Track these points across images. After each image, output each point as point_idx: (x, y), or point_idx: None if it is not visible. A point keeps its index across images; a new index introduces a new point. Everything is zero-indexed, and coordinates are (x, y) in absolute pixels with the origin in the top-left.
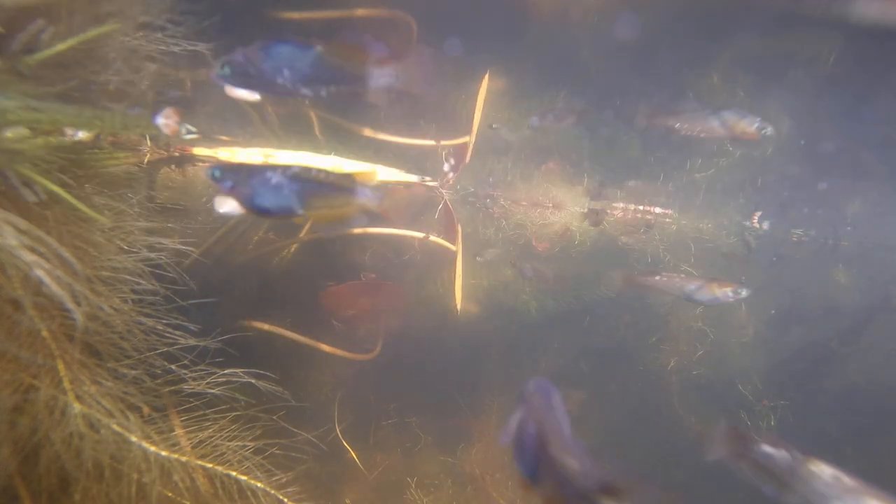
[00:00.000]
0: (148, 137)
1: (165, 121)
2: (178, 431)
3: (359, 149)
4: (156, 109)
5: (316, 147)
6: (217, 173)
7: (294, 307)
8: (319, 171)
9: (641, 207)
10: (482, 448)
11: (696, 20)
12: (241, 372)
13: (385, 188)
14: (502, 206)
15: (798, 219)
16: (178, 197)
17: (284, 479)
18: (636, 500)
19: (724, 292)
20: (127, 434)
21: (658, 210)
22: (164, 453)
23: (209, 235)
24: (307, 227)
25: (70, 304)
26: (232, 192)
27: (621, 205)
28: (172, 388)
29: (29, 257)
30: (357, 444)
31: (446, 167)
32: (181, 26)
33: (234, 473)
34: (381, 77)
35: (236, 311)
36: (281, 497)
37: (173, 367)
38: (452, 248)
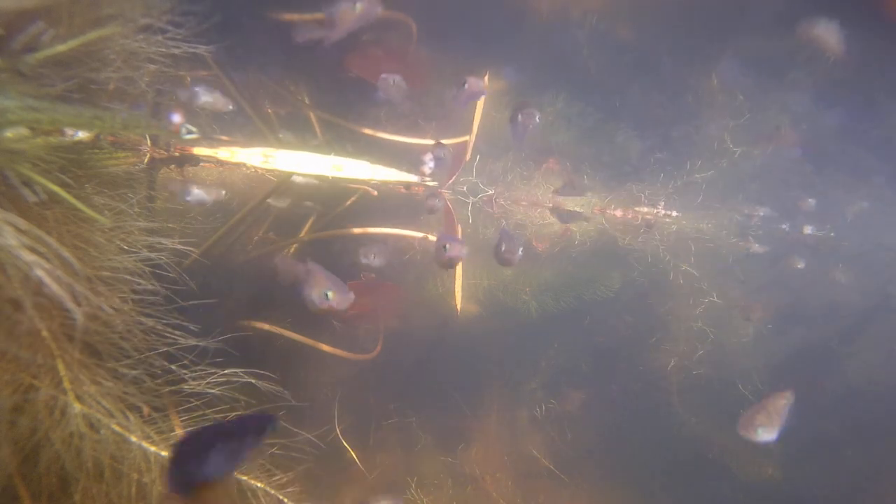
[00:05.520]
0: (148, 137)
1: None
2: (178, 431)
3: (358, 148)
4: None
5: (316, 147)
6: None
7: (294, 307)
8: None
9: (642, 208)
10: (482, 448)
11: (696, 20)
12: (241, 372)
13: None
14: (501, 206)
15: (798, 218)
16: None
17: (284, 479)
18: None
19: None
20: (127, 434)
21: (659, 210)
22: (164, 453)
23: (209, 235)
24: (307, 226)
25: (70, 304)
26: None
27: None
28: (172, 388)
29: (29, 257)
30: (357, 444)
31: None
32: (182, 28)
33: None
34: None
35: (236, 311)
36: (281, 497)
37: (173, 366)
38: None
